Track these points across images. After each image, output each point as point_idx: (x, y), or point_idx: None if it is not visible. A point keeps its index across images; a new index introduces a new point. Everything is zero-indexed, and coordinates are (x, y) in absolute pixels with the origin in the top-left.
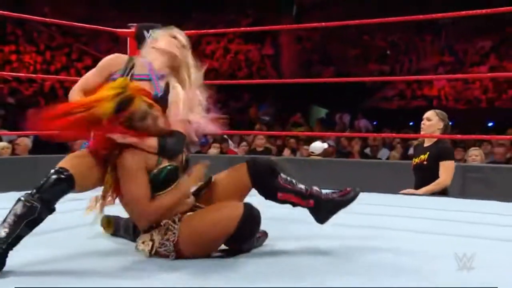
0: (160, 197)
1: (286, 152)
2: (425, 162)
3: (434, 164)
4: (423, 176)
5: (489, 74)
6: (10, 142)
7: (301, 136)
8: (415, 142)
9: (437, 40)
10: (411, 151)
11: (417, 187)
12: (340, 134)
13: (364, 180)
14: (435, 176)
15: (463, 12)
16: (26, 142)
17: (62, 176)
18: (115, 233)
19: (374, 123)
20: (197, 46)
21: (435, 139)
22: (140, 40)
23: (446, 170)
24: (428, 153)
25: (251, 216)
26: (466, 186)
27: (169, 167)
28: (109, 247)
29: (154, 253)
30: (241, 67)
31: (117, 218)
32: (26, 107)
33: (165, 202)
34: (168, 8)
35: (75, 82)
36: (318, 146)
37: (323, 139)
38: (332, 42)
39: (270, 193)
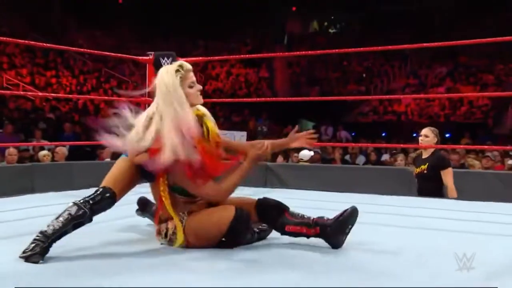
0: (224, 179)
1: (279, 159)
2: (425, 171)
3: (433, 172)
4: (425, 183)
5: (445, 94)
6: (49, 150)
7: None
8: (413, 155)
9: (404, 66)
10: (398, 158)
11: (420, 190)
12: (324, 144)
13: (344, 182)
14: (434, 182)
15: (424, 44)
16: (63, 150)
17: (108, 194)
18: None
19: (353, 134)
20: (204, 70)
21: (432, 151)
22: (157, 66)
23: (448, 176)
24: (427, 163)
25: (241, 218)
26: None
27: None
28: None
29: (169, 240)
30: (241, 87)
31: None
32: (63, 121)
33: (228, 182)
34: (179, 38)
35: (103, 100)
36: (306, 153)
37: (310, 148)
38: (317, 67)
39: (279, 227)
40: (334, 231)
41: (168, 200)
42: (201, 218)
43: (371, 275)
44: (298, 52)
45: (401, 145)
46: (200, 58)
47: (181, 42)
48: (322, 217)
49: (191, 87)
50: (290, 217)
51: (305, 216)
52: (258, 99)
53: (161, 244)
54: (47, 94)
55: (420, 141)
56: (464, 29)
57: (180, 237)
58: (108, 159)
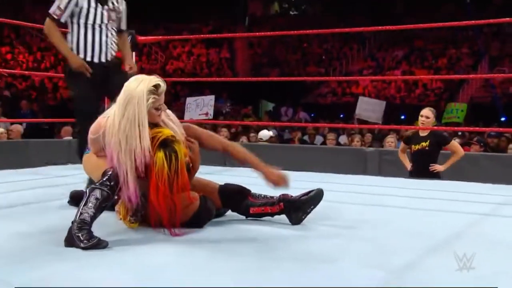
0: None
1: (243, 140)
2: (427, 148)
3: (435, 148)
4: (424, 158)
5: (401, 76)
6: (5, 128)
7: (252, 125)
8: (408, 133)
9: (362, 49)
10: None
11: (418, 168)
12: (284, 124)
13: (302, 161)
14: (432, 158)
15: (381, 27)
16: (19, 128)
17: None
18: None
19: (312, 115)
20: (165, 50)
21: (430, 130)
22: None
23: (456, 146)
24: (428, 141)
25: (205, 209)
26: (382, 167)
27: None
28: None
29: (124, 219)
30: (203, 68)
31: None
32: (20, 99)
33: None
34: (142, 18)
35: (62, 78)
36: (265, 133)
37: (269, 128)
38: (278, 48)
39: (244, 211)
40: (296, 209)
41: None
42: None
43: (319, 256)
44: (258, 33)
45: (361, 126)
46: (161, 37)
47: (142, 22)
48: (286, 194)
49: (157, 109)
50: (254, 200)
51: (268, 196)
52: (219, 78)
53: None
54: (2, 70)
55: (420, 122)
56: (423, 15)
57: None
58: (69, 137)
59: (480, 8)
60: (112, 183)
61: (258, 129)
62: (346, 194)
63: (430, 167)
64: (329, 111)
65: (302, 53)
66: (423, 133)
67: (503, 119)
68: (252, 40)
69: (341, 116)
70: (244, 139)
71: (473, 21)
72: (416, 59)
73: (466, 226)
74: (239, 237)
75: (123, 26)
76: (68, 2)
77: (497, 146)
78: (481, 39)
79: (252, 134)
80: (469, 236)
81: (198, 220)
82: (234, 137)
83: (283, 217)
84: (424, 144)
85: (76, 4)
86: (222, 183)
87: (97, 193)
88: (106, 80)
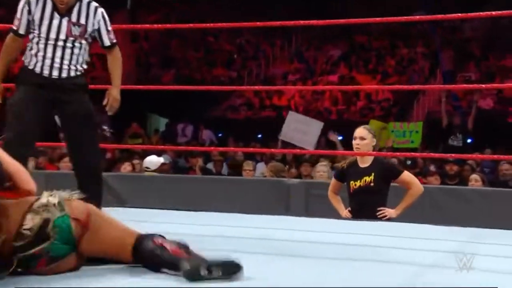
0: None
1: (126, 168)
2: (372, 184)
3: (383, 184)
4: (369, 197)
5: (337, 86)
6: None
7: (138, 149)
8: (342, 165)
9: (287, 46)
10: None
11: (358, 210)
12: (181, 148)
13: (204, 197)
14: (381, 195)
15: (312, 21)
16: None
17: None
18: None
19: (219, 134)
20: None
21: (372, 158)
22: None
23: (410, 179)
24: (373, 173)
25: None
26: (310, 205)
27: None
28: None
29: None
30: None
31: None
32: None
33: None
34: None
35: None
36: (153, 160)
37: (159, 153)
38: (174, 42)
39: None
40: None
41: None
42: None
43: None
44: (144, 25)
45: (286, 151)
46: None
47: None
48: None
49: None
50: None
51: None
52: (93, 86)
53: None
54: None
55: (355, 146)
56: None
57: None
58: None
59: None
60: None
61: (144, 155)
62: (257, 241)
63: (377, 212)
64: (242, 129)
65: (207, 50)
66: (363, 163)
67: (469, 140)
68: (137, 30)
69: (259, 136)
70: (127, 167)
71: (428, 17)
72: (357, 61)
73: (400, 283)
74: None
75: (106, 42)
76: (22, 10)
77: (458, 175)
78: (437, 34)
79: (136, 161)
80: None
81: None
82: (111, 165)
83: None
84: (367, 179)
85: (29, 12)
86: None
87: None
88: (60, 106)
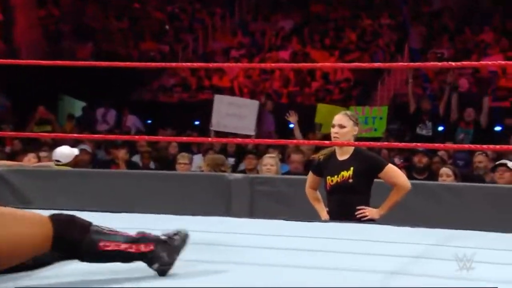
0: None
1: (31, 160)
2: (350, 180)
3: (363, 180)
4: (348, 196)
5: (289, 64)
6: None
7: (47, 138)
8: (319, 156)
9: (230, 16)
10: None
11: (336, 212)
12: (101, 137)
13: (129, 197)
14: (361, 193)
15: None
16: None
17: None
18: None
19: (148, 121)
20: None
21: (352, 150)
22: None
23: (396, 174)
24: (351, 168)
25: None
26: (255, 204)
27: None
28: None
29: None
30: None
31: None
32: None
33: None
34: None
35: None
36: (65, 152)
37: (73, 144)
38: (91, 9)
39: (87, 248)
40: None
41: None
42: None
43: None
44: None
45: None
46: None
47: None
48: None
49: None
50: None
51: (119, 231)
52: None
53: None
54: None
55: (333, 135)
56: None
57: None
58: None
59: None
60: None
61: (54, 145)
62: (193, 248)
63: (357, 212)
64: (176, 115)
65: (132, 19)
66: (342, 156)
67: (440, 128)
68: None
69: (196, 123)
70: (31, 159)
71: None
72: (312, 34)
73: None
74: None
75: None
76: None
77: (427, 169)
78: (406, 4)
79: (43, 154)
80: None
81: None
82: (11, 158)
83: None
84: (345, 174)
85: None
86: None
87: None
88: None
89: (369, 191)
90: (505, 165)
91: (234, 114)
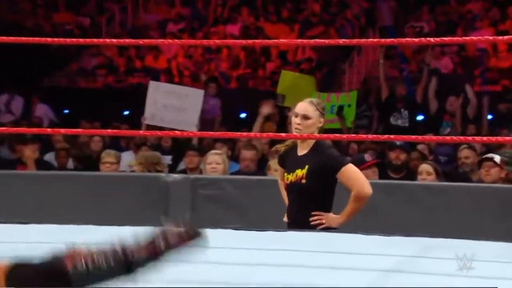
0: None
1: None
2: (303, 181)
3: (319, 181)
4: (301, 201)
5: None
6: None
7: None
8: (280, 148)
9: None
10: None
11: (292, 214)
12: (7, 130)
13: (39, 203)
14: (319, 198)
15: None
16: None
17: None
18: None
19: (65, 111)
20: None
21: (312, 143)
22: None
23: (353, 176)
24: (306, 166)
25: None
26: (198, 210)
27: None
28: None
29: None
30: None
31: None
32: None
33: None
34: None
35: None
36: None
37: None
38: None
39: None
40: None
41: None
42: None
43: None
44: None
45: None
46: None
47: None
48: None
49: None
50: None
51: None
52: None
53: None
54: None
55: (294, 126)
56: None
57: None
58: None
59: None
60: None
61: None
62: None
63: (311, 218)
64: (100, 103)
65: None
66: (302, 150)
67: (420, 117)
68: None
69: (125, 113)
70: None
71: None
72: (266, 5)
73: None
74: None
75: None
76: None
77: (405, 166)
78: None
79: None
80: None
81: None
82: None
83: None
84: (299, 173)
85: None
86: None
87: None
88: None
89: (330, 194)
90: (491, 159)
91: (173, 106)
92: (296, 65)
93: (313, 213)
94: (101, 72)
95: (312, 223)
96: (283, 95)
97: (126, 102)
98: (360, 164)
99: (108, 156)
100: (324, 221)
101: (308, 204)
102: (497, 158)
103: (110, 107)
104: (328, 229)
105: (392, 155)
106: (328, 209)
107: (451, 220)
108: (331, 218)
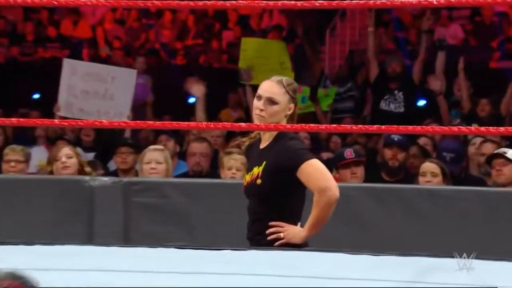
0: None
1: None
2: (258, 181)
3: (276, 181)
4: (256, 206)
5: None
6: None
7: None
8: (244, 140)
9: None
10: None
11: (248, 226)
12: None
13: None
14: (277, 203)
15: None
16: None
17: None
18: None
19: None
20: None
21: (274, 135)
22: None
23: (313, 175)
24: (264, 162)
25: None
26: (131, 221)
27: None
28: None
29: None
30: None
31: None
32: None
33: None
34: None
35: None
36: None
37: None
38: None
39: None
40: None
41: None
42: None
43: None
44: None
45: (81, 124)
46: None
47: None
48: None
49: None
50: None
51: None
52: None
53: None
54: None
55: (256, 112)
56: None
57: None
58: None
59: None
60: None
61: None
62: None
63: (268, 230)
64: (1, 83)
65: None
66: (263, 142)
67: (422, 102)
68: None
69: (35, 97)
70: None
71: None
72: None
73: None
74: None
75: None
76: None
77: (403, 168)
78: None
79: None
80: None
81: None
82: None
83: None
84: (255, 170)
85: None
86: None
87: None
88: None
89: (294, 199)
90: (502, 155)
91: (95, 92)
92: (262, 34)
93: (270, 223)
94: (1, 42)
95: (268, 237)
96: (249, 69)
97: (36, 82)
98: (337, 162)
99: (13, 152)
100: (282, 234)
101: (266, 212)
102: (510, 153)
103: (14, 88)
104: (288, 245)
105: (388, 153)
106: (292, 219)
107: (458, 234)
108: (293, 231)
